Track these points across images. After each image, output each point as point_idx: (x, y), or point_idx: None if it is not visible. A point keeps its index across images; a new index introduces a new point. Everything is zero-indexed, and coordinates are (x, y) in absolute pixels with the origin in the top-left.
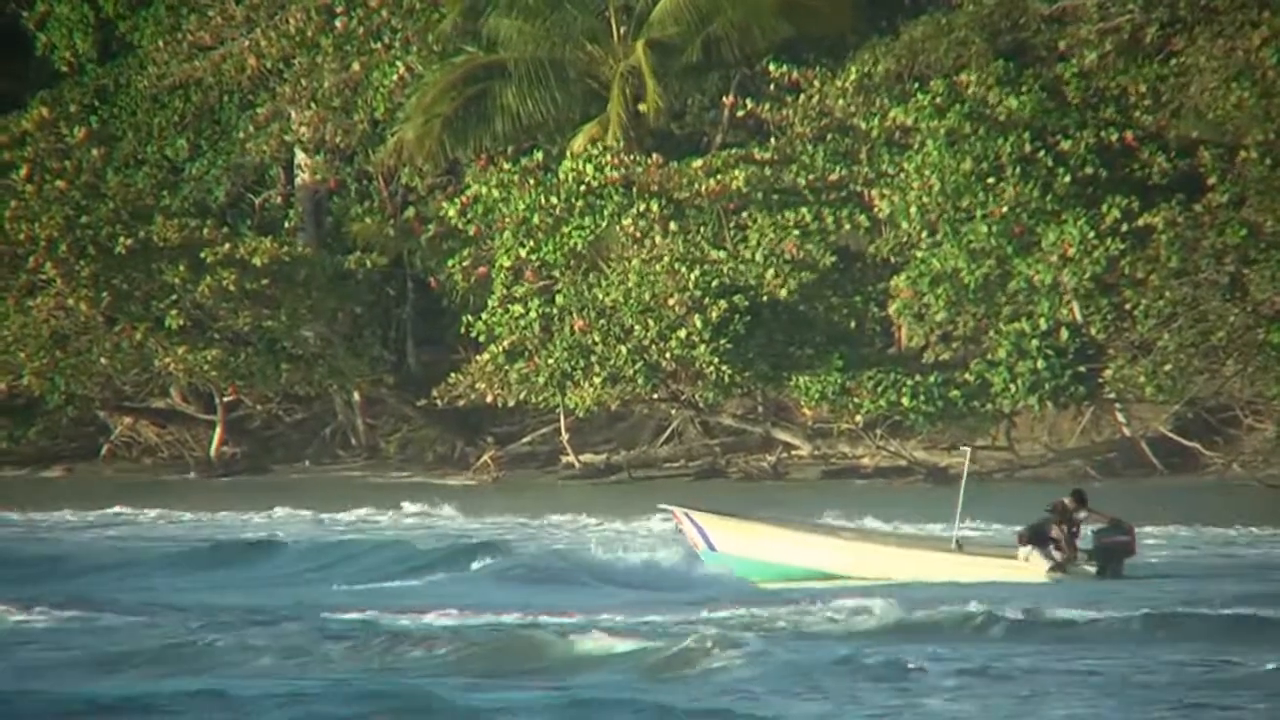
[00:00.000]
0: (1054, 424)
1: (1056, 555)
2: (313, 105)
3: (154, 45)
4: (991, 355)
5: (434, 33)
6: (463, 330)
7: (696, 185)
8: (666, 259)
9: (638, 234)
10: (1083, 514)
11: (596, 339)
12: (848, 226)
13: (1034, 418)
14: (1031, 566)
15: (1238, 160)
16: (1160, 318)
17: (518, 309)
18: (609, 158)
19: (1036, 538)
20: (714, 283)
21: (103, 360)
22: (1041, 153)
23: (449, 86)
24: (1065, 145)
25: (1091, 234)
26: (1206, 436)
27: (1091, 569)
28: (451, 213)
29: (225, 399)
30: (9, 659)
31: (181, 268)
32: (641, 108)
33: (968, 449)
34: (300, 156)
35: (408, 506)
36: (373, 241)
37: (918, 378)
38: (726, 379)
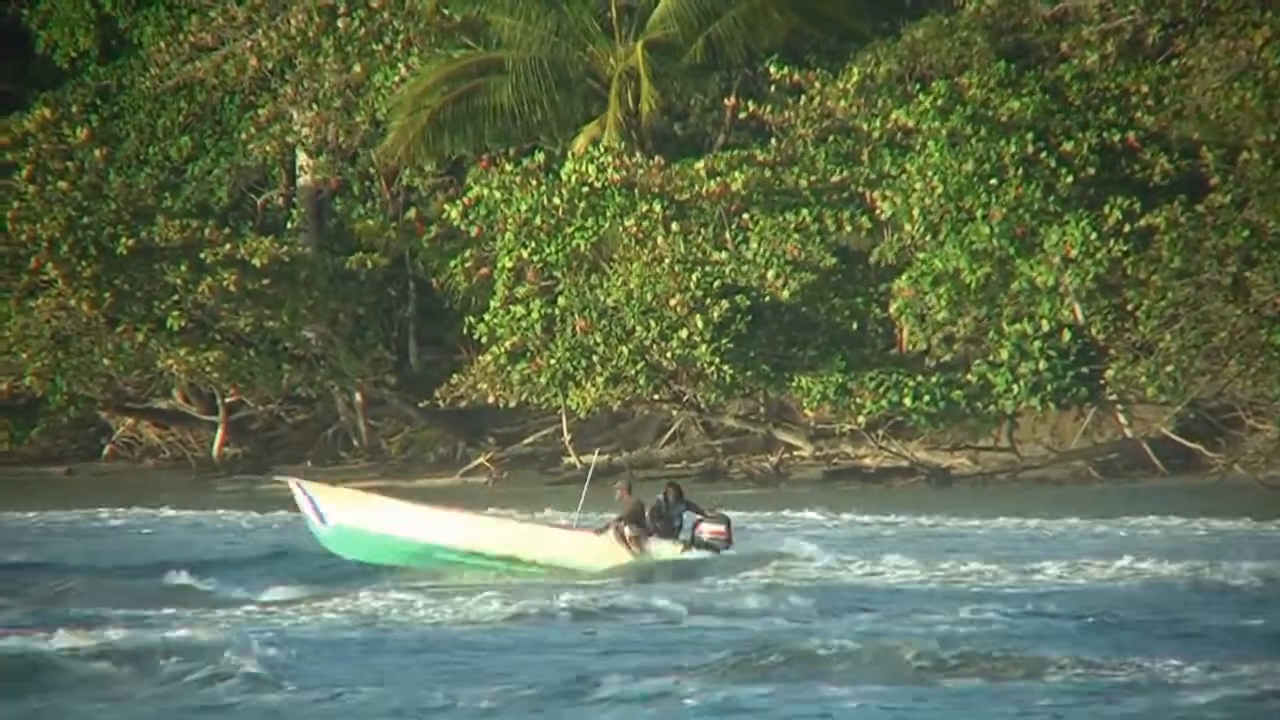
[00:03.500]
0: (1056, 425)
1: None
2: (314, 106)
3: (155, 46)
4: (993, 356)
5: (419, 20)
6: (465, 331)
7: (698, 186)
8: (668, 260)
9: (640, 235)
10: (680, 507)
11: (598, 340)
12: (849, 228)
13: (1036, 419)
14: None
15: (1240, 161)
16: (1162, 319)
17: (519, 310)
18: (611, 159)
19: (639, 528)
20: (716, 283)
21: (105, 361)
22: (1043, 154)
23: (441, 80)
24: (1067, 146)
25: (1093, 235)
26: (1208, 438)
27: (692, 554)
28: (454, 214)
29: (227, 400)
30: None
31: (183, 268)
32: (645, 107)
33: (593, 455)
34: (302, 157)
35: None
36: (374, 242)
37: (920, 378)
38: (728, 380)
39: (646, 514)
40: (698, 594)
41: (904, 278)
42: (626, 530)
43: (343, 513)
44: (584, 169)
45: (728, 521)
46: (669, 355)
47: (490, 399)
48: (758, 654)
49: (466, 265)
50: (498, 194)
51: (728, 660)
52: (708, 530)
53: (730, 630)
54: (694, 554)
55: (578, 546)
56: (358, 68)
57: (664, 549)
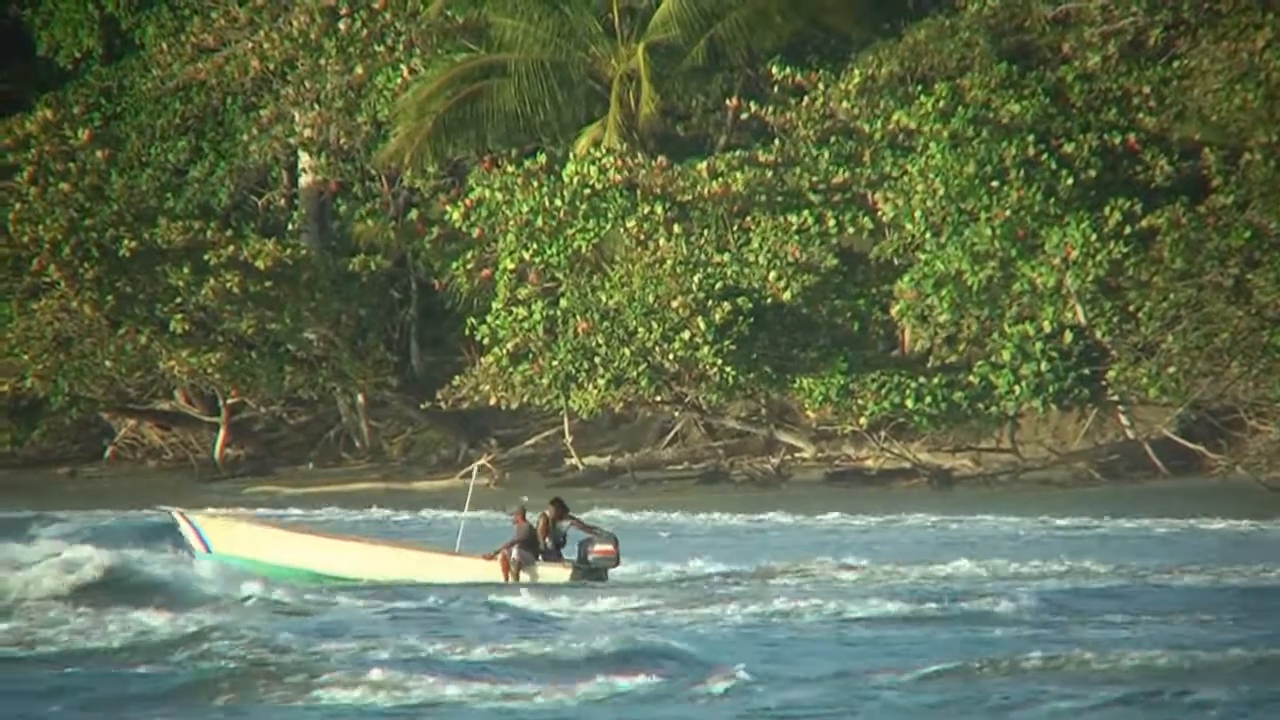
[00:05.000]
0: (1058, 426)
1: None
2: (316, 107)
3: (158, 47)
4: (995, 357)
5: (421, 21)
6: (467, 333)
7: (700, 188)
8: (670, 261)
9: (641, 236)
10: (565, 523)
11: (600, 341)
12: (851, 229)
13: (1038, 420)
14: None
15: (1242, 162)
16: (1164, 320)
17: (521, 311)
18: (613, 160)
19: (527, 548)
20: (717, 285)
21: (107, 363)
22: (1045, 155)
23: (445, 84)
24: (1068, 148)
25: (1094, 236)
26: (1210, 439)
27: (566, 574)
28: (455, 216)
29: (229, 401)
30: None
31: (185, 270)
32: (645, 109)
33: (473, 468)
34: (304, 158)
35: None
36: (376, 243)
37: (921, 380)
38: (730, 381)
39: (541, 538)
40: (953, 592)
41: (906, 279)
42: (514, 554)
43: (228, 542)
44: (586, 170)
45: (615, 540)
46: (671, 357)
47: (492, 400)
48: (1014, 658)
49: (468, 267)
50: (499, 195)
51: (991, 661)
52: (597, 550)
53: (967, 632)
54: (580, 582)
55: (461, 572)
56: (359, 69)
57: (551, 575)
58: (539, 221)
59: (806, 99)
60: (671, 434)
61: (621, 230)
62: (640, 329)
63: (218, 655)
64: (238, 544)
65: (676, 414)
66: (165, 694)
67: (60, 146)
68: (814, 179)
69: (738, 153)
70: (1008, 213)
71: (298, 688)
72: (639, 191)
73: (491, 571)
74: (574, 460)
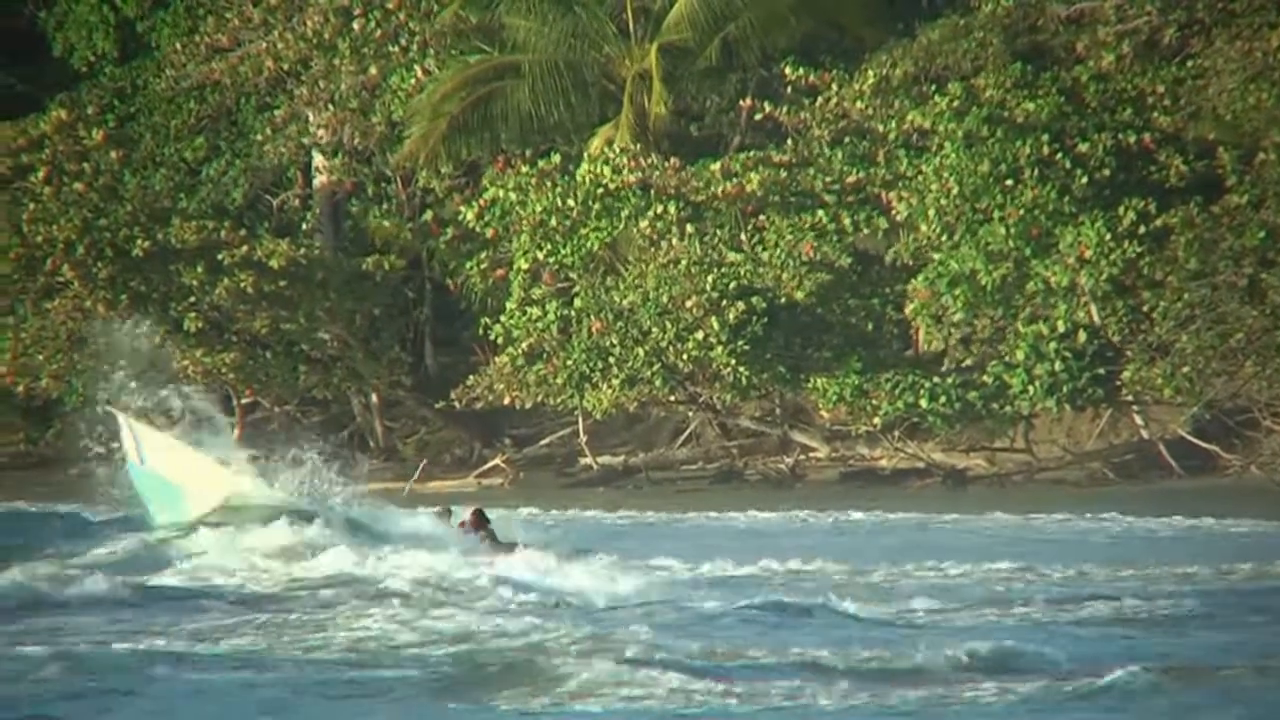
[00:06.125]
0: (1072, 426)
1: None
2: (330, 107)
3: (172, 47)
4: (1009, 357)
5: (435, 22)
6: (481, 332)
7: (714, 187)
8: (684, 261)
9: (655, 236)
10: (481, 533)
11: (614, 341)
12: (865, 229)
13: (1052, 420)
14: None
15: (1256, 162)
16: (1178, 319)
17: (535, 311)
18: (626, 160)
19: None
20: (731, 285)
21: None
22: (1059, 155)
23: (460, 85)
24: (1083, 147)
25: (1109, 236)
26: (1225, 439)
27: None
28: (469, 215)
29: (243, 401)
30: None
31: (199, 270)
32: (656, 109)
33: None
34: (318, 158)
35: None
36: (391, 243)
37: (936, 380)
38: (744, 381)
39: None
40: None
41: (920, 279)
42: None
43: (161, 461)
44: (599, 170)
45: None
46: (685, 357)
47: (506, 400)
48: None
49: (482, 267)
50: (513, 195)
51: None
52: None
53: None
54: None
55: None
56: (373, 69)
57: None
58: (553, 221)
59: (820, 99)
60: (686, 434)
61: (635, 230)
62: (654, 329)
63: (494, 649)
64: (168, 465)
65: (690, 414)
66: (444, 687)
67: (74, 147)
68: (828, 179)
69: (751, 153)
70: (1022, 212)
71: (598, 686)
72: (652, 192)
73: None
74: (588, 460)
